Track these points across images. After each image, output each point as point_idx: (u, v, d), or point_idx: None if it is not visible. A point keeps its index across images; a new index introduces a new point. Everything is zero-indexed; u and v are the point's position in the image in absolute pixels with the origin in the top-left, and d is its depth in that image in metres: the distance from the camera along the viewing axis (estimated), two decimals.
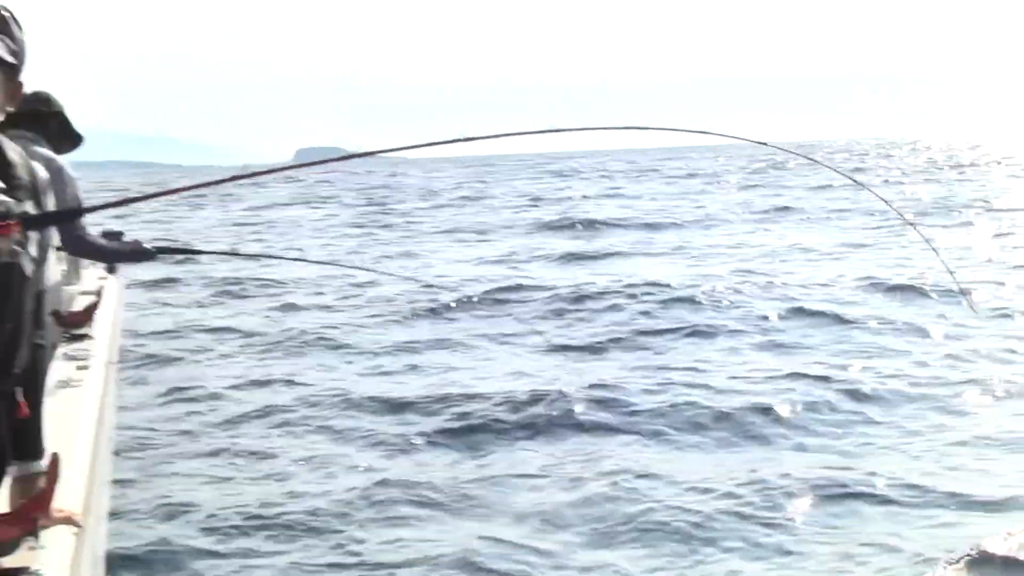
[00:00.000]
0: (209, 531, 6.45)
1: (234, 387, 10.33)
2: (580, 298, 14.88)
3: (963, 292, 12.42)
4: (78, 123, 4.99)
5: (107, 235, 5.11)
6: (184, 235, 28.03)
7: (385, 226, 32.41)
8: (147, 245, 5.05)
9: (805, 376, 9.81)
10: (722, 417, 8.56)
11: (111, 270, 6.46)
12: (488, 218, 33.56)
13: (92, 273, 6.49)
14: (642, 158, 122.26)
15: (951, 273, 6.70)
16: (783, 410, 8.65)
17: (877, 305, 13.64)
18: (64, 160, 4.63)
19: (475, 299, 14.86)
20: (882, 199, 4.38)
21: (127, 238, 5.18)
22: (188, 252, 6.42)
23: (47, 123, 4.71)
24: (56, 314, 4.49)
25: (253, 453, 8.16)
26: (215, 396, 9.97)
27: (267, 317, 14.66)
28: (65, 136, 4.86)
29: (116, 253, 5.12)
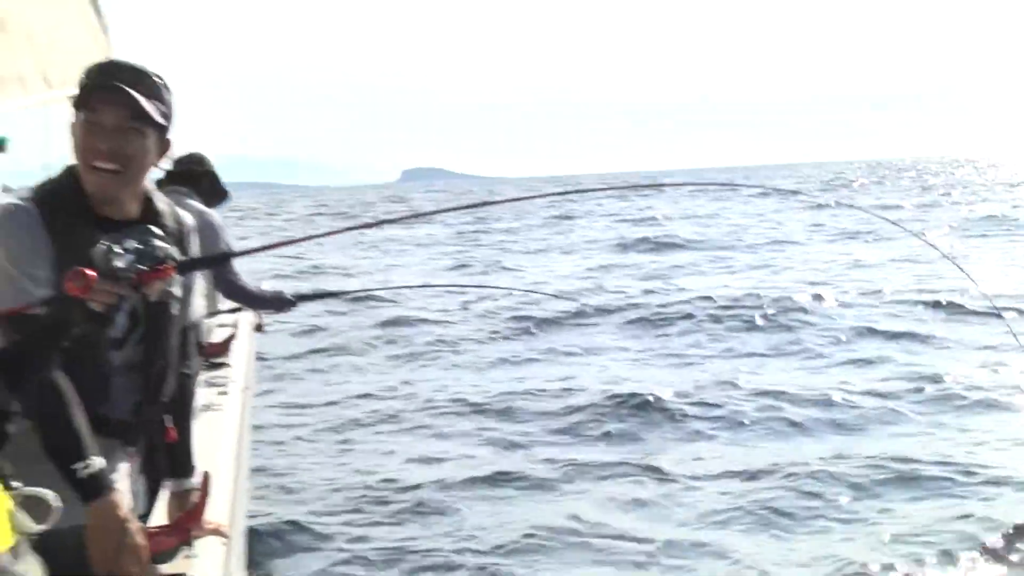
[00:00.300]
0: (333, 526, 6.70)
1: (354, 396, 10.64)
2: (669, 309, 14.89)
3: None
4: (207, 148, 5.23)
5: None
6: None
7: (479, 244, 32.24)
8: (288, 295, 5.27)
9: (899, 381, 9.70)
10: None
11: None
12: (574, 236, 33.12)
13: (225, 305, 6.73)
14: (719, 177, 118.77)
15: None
16: (861, 410, 8.70)
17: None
18: (214, 213, 4.84)
19: (572, 310, 14.94)
20: (913, 233, 4.28)
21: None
22: (326, 295, 6.57)
23: (199, 181, 4.93)
24: (199, 345, 4.69)
25: (373, 450, 8.49)
26: (334, 404, 10.30)
27: (382, 330, 14.86)
28: (215, 193, 5.06)
29: (261, 300, 5.28)
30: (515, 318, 14.88)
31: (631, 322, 14.43)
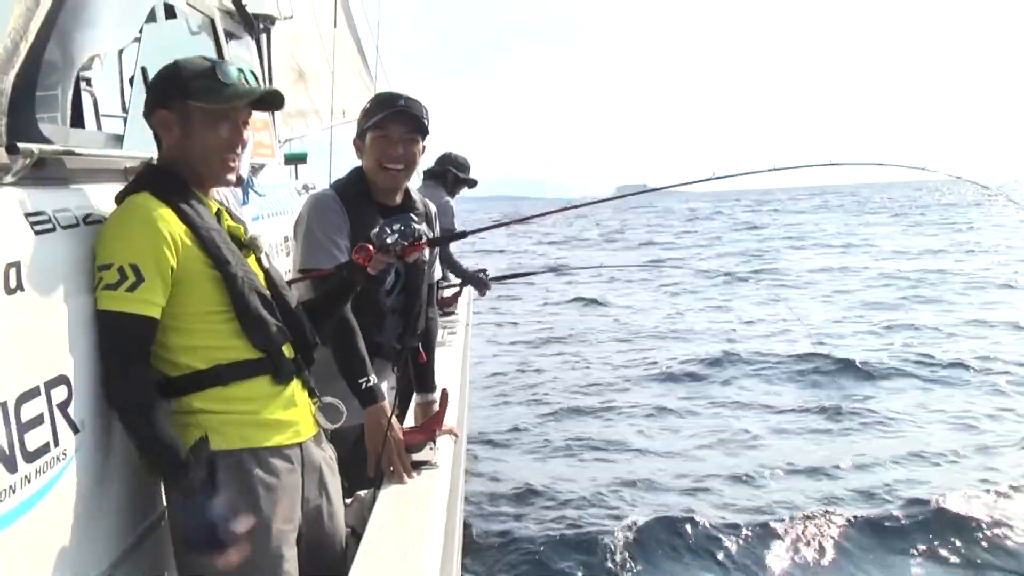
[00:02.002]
0: (529, 445, 6.67)
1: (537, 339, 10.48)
2: None
3: None
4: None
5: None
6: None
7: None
8: (485, 276, 5.17)
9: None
10: None
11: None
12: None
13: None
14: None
15: None
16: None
17: None
18: (451, 201, 4.88)
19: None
20: None
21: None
22: (517, 276, 6.37)
23: (445, 176, 5.03)
24: (437, 299, 4.80)
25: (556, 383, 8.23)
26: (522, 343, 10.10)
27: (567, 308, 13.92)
28: (457, 185, 5.09)
29: (463, 273, 5.23)
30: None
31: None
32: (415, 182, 4.91)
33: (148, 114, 1.78)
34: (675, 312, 13.41)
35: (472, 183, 5.19)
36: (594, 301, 14.85)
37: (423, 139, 2.40)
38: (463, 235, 2.45)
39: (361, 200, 2.39)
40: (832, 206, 63.35)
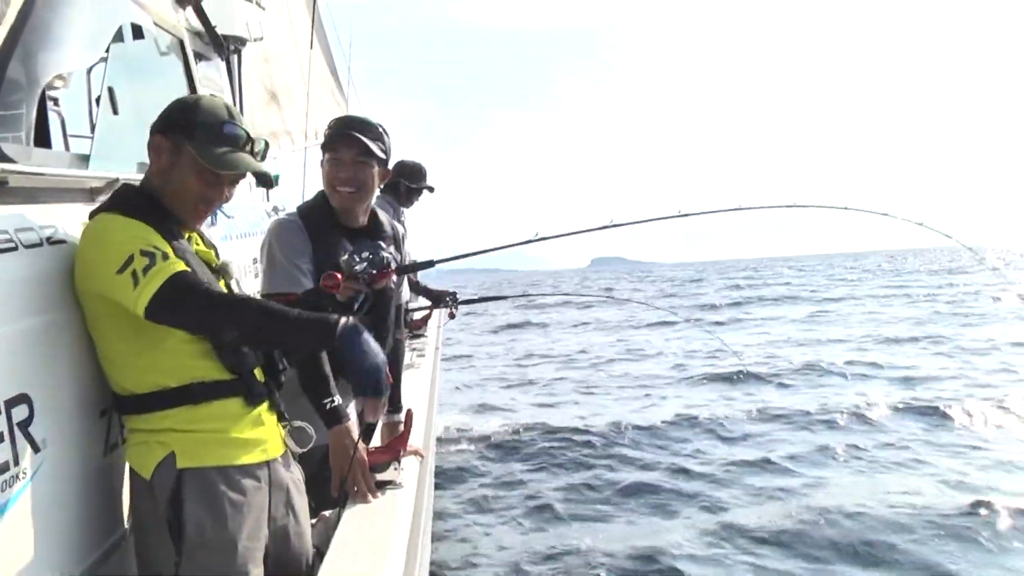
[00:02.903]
0: (495, 454, 6.71)
1: (507, 364, 10.65)
2: None
3: None
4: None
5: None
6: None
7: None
8: (454, 300, 4.93)
9: None
10: None
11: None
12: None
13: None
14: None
15: None
16: None
17: None
18: (408, 211, 4.79)
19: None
20: None
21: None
22: (486, 300, 6.33)
23: (397, 188, 4.91)
24: (405, 321, 4.78)
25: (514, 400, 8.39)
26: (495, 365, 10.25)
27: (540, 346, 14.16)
28: (412, 194, 4.96)
29: (431, 296, 5.09)
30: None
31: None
32: None
33: (152, 131, 1.79)
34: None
35: (428, 189, 5.05)
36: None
37: (377, 163, 2.40)
38: (431, 264, 2.47)
39: (325, 223, 2.40)
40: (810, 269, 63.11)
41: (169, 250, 1.66)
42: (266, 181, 1.85)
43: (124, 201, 1.74)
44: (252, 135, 1.80)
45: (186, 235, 1.84)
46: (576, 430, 7.88)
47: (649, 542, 5.11)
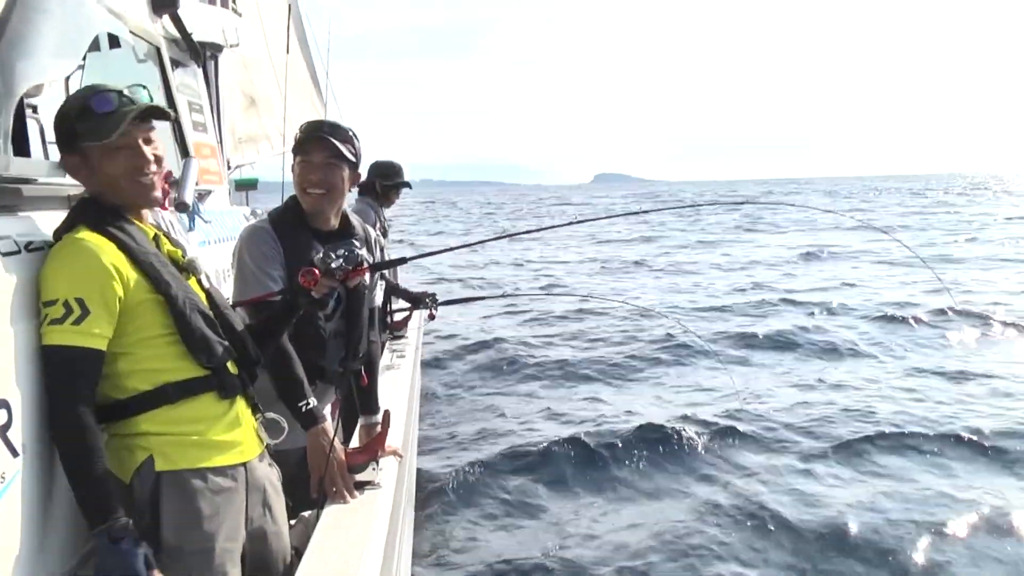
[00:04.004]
0: (481, 459, 6.61)
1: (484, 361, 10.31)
2: None
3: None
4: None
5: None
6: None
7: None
8: (433, 301, 5.02)
9: None
10: None
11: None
12: None
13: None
14: None
15: None
16: None
17: None
18: (389, 211, 4.79)
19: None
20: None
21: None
22: (462, 301, 6.21)
23: (372, 187, 4.93)
24: (385, 322, 4.79)
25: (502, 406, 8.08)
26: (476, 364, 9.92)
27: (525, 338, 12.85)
28: (388, 192, 4.96)
29: (410, 297, 5.14)
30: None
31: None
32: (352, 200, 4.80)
33: (60, 159, 1.80)
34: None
35: (405, 186, 5.06)
36: None
37: (348, 166, 2.43)
38: (403, 261, 2.51)
39: (296, 227, 2.43)
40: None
41: (118, 288, 1.66)
42: (159, 114, 1.80)
43: (87, 212, 1.75)
44: (124, 89, 1.77)
45: (151, 234, 1.85)
46: (568, 422, 7.75)
47: (641, 536, 5.12)
